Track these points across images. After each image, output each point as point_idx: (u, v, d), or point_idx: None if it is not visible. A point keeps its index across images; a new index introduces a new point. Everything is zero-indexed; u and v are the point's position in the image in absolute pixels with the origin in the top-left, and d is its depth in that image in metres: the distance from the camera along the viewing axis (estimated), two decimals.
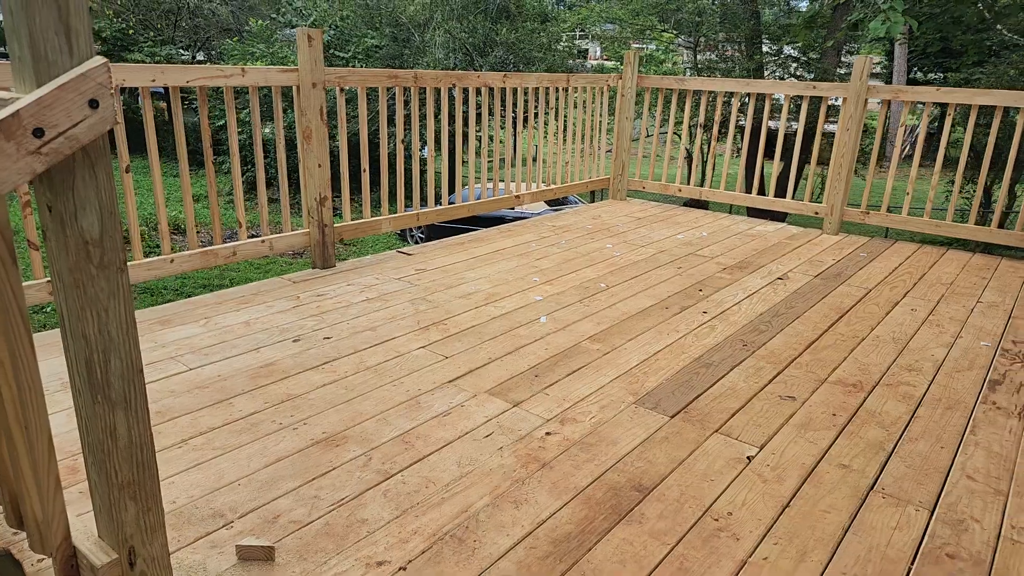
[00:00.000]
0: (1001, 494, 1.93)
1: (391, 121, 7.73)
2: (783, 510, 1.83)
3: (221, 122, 13.88)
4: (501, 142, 4.86)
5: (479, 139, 4.60)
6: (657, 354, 2.81)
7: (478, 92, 4.73)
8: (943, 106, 5.39)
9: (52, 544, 1.28)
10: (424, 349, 2.78)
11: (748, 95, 5.49)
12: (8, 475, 1.33)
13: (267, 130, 13.11)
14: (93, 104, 1.06)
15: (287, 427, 2.14)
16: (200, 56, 23.42)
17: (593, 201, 10.71)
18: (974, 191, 4.67)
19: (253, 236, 3.57)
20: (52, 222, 1.10)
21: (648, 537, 1.70)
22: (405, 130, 4.23)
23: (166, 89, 3.06)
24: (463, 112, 4.53)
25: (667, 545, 1.67)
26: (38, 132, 1.00)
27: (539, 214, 9.15)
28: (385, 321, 3.06)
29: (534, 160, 5.40)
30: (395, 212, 4.25)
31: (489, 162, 4.73)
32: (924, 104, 4.72)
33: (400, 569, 1.55)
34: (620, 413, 2.31)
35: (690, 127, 6.17)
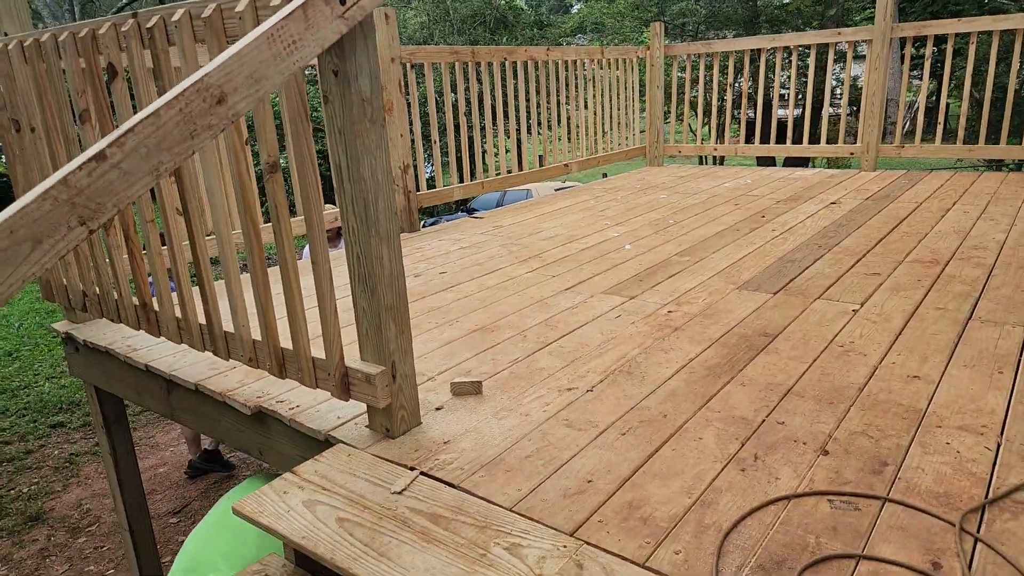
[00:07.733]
0: None
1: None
2: (897, 337, 2.10)
3: None
4: (548, 120, 5.19)
5: (528, 114, 4.91)
6: (743, 259, 3.09)
7: (524, 66, 5.05)
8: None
9: (331, 366, 1.58)
10: (532, 272, 3.07)
11: (774, 50, 5.78)
12: (277, 333, 1.63)
13: None
14: None
15: (443, 324, 2.44)
16: None
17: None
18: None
19: None
20: (337, 84, 1.41)
21: (787, 360, 1.98)
22: (466, 104, 4.55)
23: None
24: (512, 87, 4.85)
25: (805, 363, 1.95)
26: (343, 0, 1.31)
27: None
28: (487, 259, 3.36)
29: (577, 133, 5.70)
30: (461, 182, 4.57)
31: (534, 136, 5.07)
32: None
33: (588, 391, 1.84)
34: (727, 296, 2.59)
35: (719, 88, 6.47)
